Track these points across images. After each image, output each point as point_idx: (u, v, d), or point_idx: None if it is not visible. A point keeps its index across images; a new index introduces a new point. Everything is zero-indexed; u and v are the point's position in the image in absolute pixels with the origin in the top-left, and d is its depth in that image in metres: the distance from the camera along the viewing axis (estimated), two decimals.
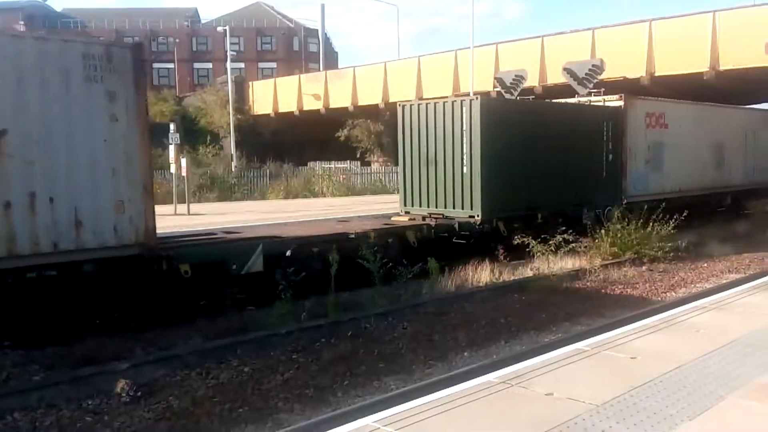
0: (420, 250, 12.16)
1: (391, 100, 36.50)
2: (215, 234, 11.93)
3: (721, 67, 24.21)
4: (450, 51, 33.45)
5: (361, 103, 37.95)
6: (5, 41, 8.20)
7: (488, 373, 5.50)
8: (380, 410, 4.74)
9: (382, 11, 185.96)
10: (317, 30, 65.66)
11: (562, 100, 18.29)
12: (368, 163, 40.71)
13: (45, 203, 8.18)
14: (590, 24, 27.98)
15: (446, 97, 18.32)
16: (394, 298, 10.72)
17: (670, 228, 14.34)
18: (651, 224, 14.50)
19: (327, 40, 67.06)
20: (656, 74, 25.80)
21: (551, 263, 13.11)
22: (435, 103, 14.50)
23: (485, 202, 13.53)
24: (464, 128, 13.67)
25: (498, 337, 9.18)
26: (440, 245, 12.90)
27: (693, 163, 19.57)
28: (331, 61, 64.82)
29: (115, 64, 8.83)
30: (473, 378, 5.44)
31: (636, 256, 14.23)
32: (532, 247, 12.92)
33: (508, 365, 5.80)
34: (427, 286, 11.25)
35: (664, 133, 18.46)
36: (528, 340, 9.15)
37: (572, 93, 25.40)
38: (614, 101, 17.51)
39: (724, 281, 12.64)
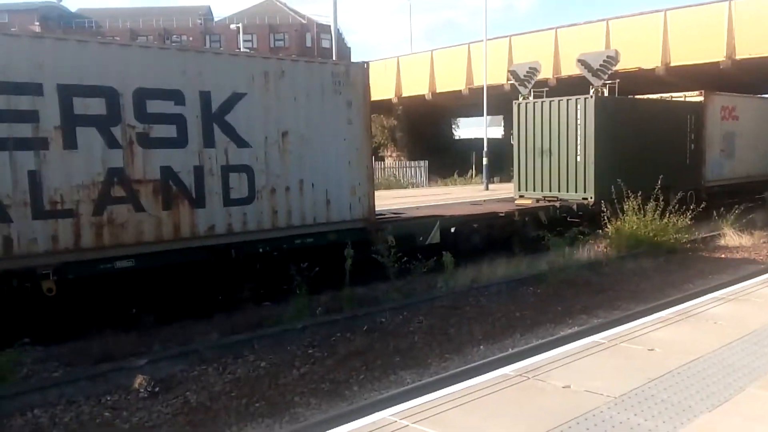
0: (549, 227, 14.49)
1: (404, 95, 36.46)
2: (401, 213, 14.43)
3: (738, 56, 23.95)
4: (463, 44, 33.33)
5: (374, 97, 37.51)
6: (288, 65, 10.79)
7: (505, 366, 5.48)
8: (397, 404, 4.74)
9: (394, 6, 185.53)
10: (330, 26, 65.53)
11: (654, 97, 20.04)
12: (382, 158, 40.68)
13: (309, 188, 10.83)
14: (604, 15, 27.74)
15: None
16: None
17: (734, 212, 16.48)
18: (668, 215, 14.44)
19: (340, 35, 66.97)
20: (672, 64, 25.56)
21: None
22: (550, 101, 16.94)
23: (597, 186, 15.71)
24: (578, 123, 15.99)
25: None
26: (562, 222, 15.21)
27: (758, 151, 21.47)
28: (344, 56, 64.75)
29: (351, 79, 11.40)
30: (490, 371, 5.42)
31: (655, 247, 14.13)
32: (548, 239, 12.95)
33: (525, 358, 5.78)
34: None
35: (735, 124, 20.46)
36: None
37: (587, 85, 25.25)
38: (694, 97, 19.34)
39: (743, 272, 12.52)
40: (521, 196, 17.17)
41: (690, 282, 12.15)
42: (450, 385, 5.08)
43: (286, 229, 10.56)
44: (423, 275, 11.27)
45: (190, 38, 64.50)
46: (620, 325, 6.81)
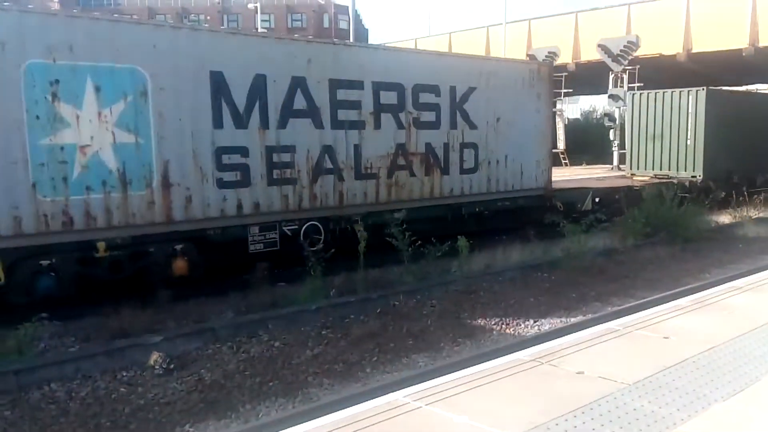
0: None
1: None
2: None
3: (761, 44, 23.53)
4: (482, 27, 33.02)
5: None
6: (501, 65, 14.54)
7: (519, 350, 5.48)
8: (409, 385, 4.76)
9: None
10: (347, 7, 65.20)
11: (753, 89, 22.53)
12: None
13: (510, 161, 14.06)
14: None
15: None
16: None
17: None
18: (685, 203, 14.41)
19: (357, 16, 66.62)
20: (693, 51, 25.18)
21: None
22: (663, 93, 19.19)
23: (705, 166, 18.38)
24: (690, 111, 18.48)
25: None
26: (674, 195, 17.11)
27: None
28: (362, 37, 64.46)
29: (541, 75, 14.79)
30: (503, 355, 5.43)
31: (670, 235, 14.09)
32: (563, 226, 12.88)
33: (539, 343, 5.77)
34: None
35: None
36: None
37: (606, 70, 25.01)
38: None
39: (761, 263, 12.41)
40: (633, 175, 19.76)
41: (706, 271, 12.07)
42: (463, 368, 5.09)
43: (495, 194, 13.91)
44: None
45: (208, 17, 64.37)
46: (635, 312, 6.78)
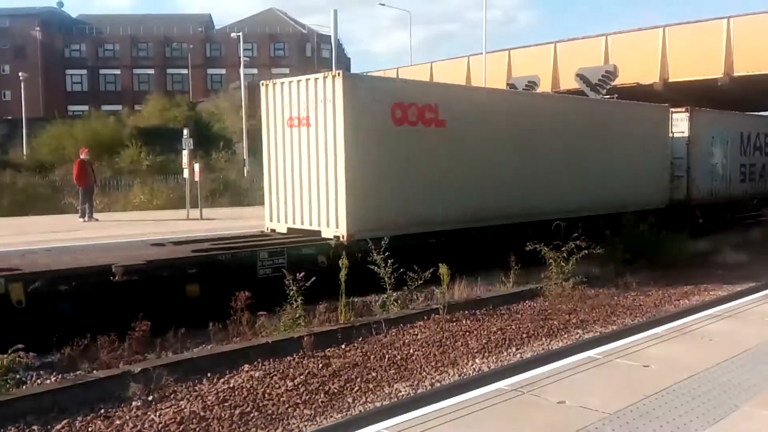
0: None
1: None
2: None
3: (736, 73, 24.04)
4: (462, 57, 33.43)
5: None
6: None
7: (500, 380, 5.47)
8: (391, 417, 4.73)
9: (394, 18, 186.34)
10: (330, 36, 65.73)
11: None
12: None
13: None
14: (603, 30, 27.88)
15: None
16: None
17: None
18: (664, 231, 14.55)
19: (339, 46, 67.19)
20: (670, 80, 25.66)
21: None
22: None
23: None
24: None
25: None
26: None
27: None
28: (344, 67, 64.95)
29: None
30: (484, 385, 5.42)
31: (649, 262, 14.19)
32: (545, 253, 12.88)
33: (520, 373, 5.77)
34: None
35: None
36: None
37: None
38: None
39: (738, 289, 12.53)
40: None
41: (686, 298, 12.16)
42: (444, 399, 5.07)
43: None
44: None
45: (191, 46, 64.63)
46: (616, 340, 6.82)
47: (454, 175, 12.87)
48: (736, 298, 9.78)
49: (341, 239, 11.31)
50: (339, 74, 11.50)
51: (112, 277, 9.17)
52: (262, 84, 13.06)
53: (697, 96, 24.70)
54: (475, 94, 15.65)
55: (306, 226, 12.11)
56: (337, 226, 11.48)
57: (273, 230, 12.93)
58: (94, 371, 7.76)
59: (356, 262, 10.20)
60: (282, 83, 12.57)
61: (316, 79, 11.78)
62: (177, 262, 10.03)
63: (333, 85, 11.37)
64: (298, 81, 12.18)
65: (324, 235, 11.65)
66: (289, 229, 12.53)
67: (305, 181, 12.05)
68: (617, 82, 24.43)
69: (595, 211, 15.69)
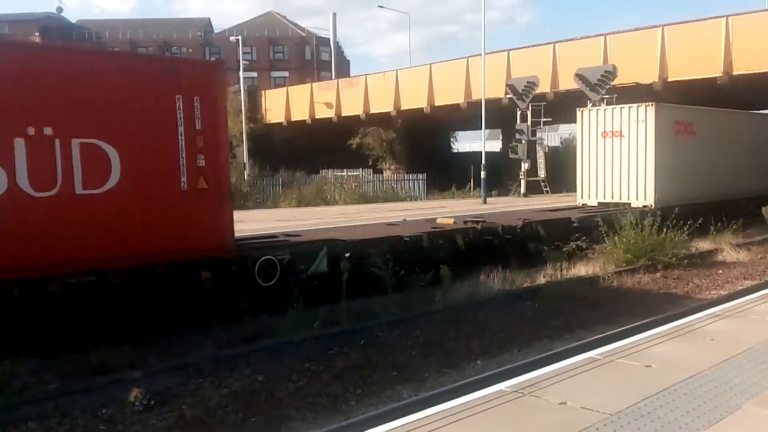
0: None
1: (403, 108, 36.55)
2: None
3: (735, 72, 24.05)
4: (461, 58, 33.43)
5: (373, 111, 38.03)
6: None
7: (501, 381, 5.47)
8: (392, 420, 4.73)
9: (393, 20, 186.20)
10: (329, 39, 65.97)
11: None
12: (380, 171, 40.69)
13: None
14: (602, 30, 27.82)
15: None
16: None
17: None
18: (665, 231, 14.53)
19: (339, 48, 67.39)
20: (669, 79, 25.67)
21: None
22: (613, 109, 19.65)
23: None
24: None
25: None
26: None
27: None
28: (343, 69, 65.09)
29: None
30: (486, 387, 5.41)
31: (650, 263, 14.19)
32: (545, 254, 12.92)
33: (521, 374, 5.77)
34: None
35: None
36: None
37: (585, 99, 25.37)
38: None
39: (740, 288, 12.53)
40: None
41: (688, 297, 12.15)
42: (446, 401, 5.07)
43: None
44: None
45: (190, 50, 64.70)
46: (617, 340, 6.81)
47: (701, 168, 19.99)
48: None
49: (650, 207, 17.72)
50: (652, 105, 18.49)
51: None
52: (579, 110, 20.18)
53: (696, 95, 24.71)
54: (711, 113, 21.61)
55: (616, 200, 18.91)
56: (645, 199, 18.37)
57: (584, 204, 19.58)
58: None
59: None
60: (597, 109, 19.92)
61: (629, 107, 18.81)
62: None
63: (646, 111, 18.40)
64: (613, 108, 19.37)
65: (633, 205, 18.32)
66: (599, 203, 19.21)
67: (616, 171, 18.94)
68: (616, 81, 24.48)
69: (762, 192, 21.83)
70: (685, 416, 4.48)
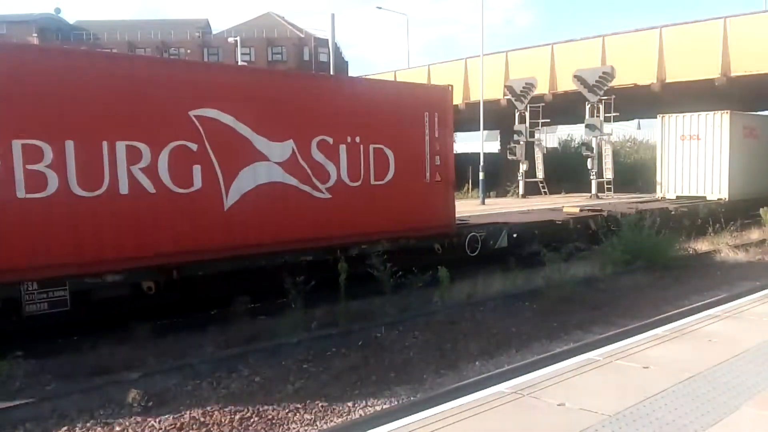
0: None
1: None
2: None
3: (733, 74, 24.04)
4: (460, 59, 33.42)
5: None
6: None
7: (500, 383, 5.47)
8: (390, 421, 4.73)
9: (392, 21, 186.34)
10: (327, 40, 65.81)
11: None
12: None
13: None
14: (600, 31, 27.85)
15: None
16: None
17: None
18: (663, 231, 14.57)
19: (337, 49, 67.18)
20: (667, 81, 25.65)
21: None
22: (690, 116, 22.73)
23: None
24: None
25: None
26: None
27: None
28: (341, 70, 65.00)
29: None
30: (484, 388, 5.41)
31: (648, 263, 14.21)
32: (544, 255, 12.92)
33: (520, 375, 5.77)
34: None
35: None
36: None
37: (583, 100, 25.40)
38: None
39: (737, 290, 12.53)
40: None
41: (686, 298, 12.15)
42: (444, 402, 5.07)
43: None
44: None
45: (188, 51, 64.64)
46: (616, 342, 6.82)
47: (762, 166, 23.71)
48: None
49: (723, 200, 21.54)
50: (727, 112, 21.95)
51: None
52: (660, 116, 23.41)
53: (694, 96, 24.73)
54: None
55: (693, 194, 22.19)
56: (720, 192, 21.79)
57: (662, 197, 22.79)
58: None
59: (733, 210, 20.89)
60: (677, 117, 22.86)
61: (706, 114, 22.25)
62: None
63: (721, 117, 21.96)
64: (691, 115, 22.58)
65: (708, 198, 21.79)
66: (677, 196, 22.40)
67: (693, 168, 22.44)
68: (615, 83, 24.49)
69: None
70: (683, 417, 4.48)
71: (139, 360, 8.26)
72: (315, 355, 8.59)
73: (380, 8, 47.76)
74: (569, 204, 20.54)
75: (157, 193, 9.15)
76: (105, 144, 8.66)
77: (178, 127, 9.34)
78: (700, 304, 10.82)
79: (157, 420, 6.81)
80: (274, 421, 6.84)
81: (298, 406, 7.18)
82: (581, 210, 18.33)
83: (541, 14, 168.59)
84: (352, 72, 68.89)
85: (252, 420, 6.86)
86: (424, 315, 10.24)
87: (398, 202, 12.10)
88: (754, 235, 19.71)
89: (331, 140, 11.19)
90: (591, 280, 13.04)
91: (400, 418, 4.75)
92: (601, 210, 18.23)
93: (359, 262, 10.69)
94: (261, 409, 7.08)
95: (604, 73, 24.52)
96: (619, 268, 13.99)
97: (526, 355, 8.91)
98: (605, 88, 24.26)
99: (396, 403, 7.19)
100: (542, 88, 28.23)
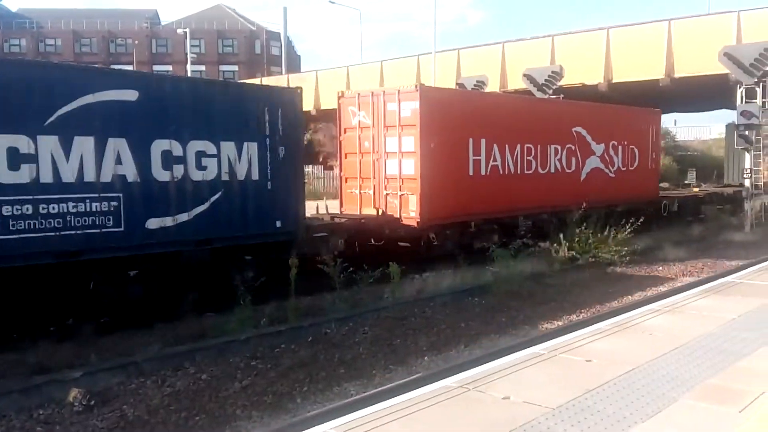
0: None
1: None
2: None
3: (677, 75, 24.70)
4: (412, 56, 33.54)
5: (324, 107, 37.83)
6: None
7: (447, 377, 5.51)
8: (338, 416, 4.71)
9: (345, 16, 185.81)
10: (279, 33, 65.32)
11: None
12: (331, 168, 40.48)
13: None
14: (550, 31, 28.33)
15: None
16: None
17: None
18: (608, 229, 14.90)
19: (289, 43, 66.75)
20: (614, 81, 26.22)
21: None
22: None
23: None
24: None
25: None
26: None
27: None
28: (294, 64, 64.60)
29: None
30: (432, 382, 5.45)
31: (594, 259, 14.51)
32: (493, 251, 13.07)
33: (467, 369, 5.82)
34: None
35: None
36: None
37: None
38: None
39: (679, 284, 12.90)
40: None
41: (629, 293, 12.46)
42: (392, 397, 5.09)
43: None
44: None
45: (136, 42, 63.30)
46: (560, 336, 6.94)
47: None
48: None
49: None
50: None
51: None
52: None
53: (640, 96, 25.31)
54: None
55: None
56: None
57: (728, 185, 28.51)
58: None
59: None
60: None
61: None
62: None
63: None
64: None
65: None
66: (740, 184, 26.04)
67: None
68: (563, 82, 24.88)
69: None
70: (624, 409, 4.59)
71: (81, 358, 8.06)
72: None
73: (333, 2, 47.51)
74: None
75: (558, 172, 17.26)
76: (549, 146, 16.99)
77: (568, 136, 17.53)
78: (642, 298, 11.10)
79: (100, 419, 6.66)
80: (220, 419, 6.75)
81: (246, 403, 7.10)
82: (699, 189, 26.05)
83: (492, 13, 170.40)
84: (305, 66, 68.45)
85: (198, 418, 6.76)
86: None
87: (637, 180, 20.09)
88: None
89: (616, 142, 19.36)
90: None
91: (348, 413, 4.74)
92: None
93: (615, 215, 16.87)
94: (207, 407, 6.99)
95: (552, 72, 24.90)
96: None
97: None
98: (554, 87, 24.64)
99: None
100: (493, 86, 28.52)
